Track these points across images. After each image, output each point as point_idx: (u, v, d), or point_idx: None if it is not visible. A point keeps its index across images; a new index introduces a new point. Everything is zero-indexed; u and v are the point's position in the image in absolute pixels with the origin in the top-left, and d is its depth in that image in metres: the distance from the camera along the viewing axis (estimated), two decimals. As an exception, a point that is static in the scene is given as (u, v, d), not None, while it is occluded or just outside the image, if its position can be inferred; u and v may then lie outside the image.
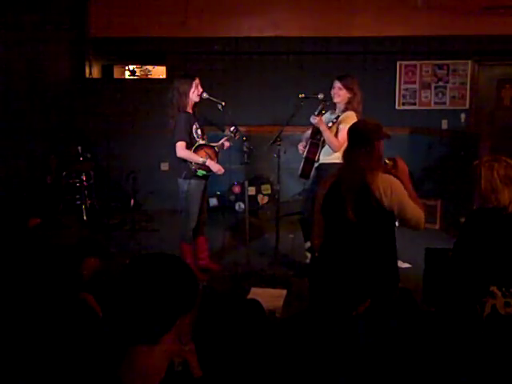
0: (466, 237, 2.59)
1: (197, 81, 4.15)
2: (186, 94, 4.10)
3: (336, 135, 4.13)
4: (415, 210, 2.60)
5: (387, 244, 2.69)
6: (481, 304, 2.35)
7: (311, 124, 4.24)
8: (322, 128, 4.10)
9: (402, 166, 2.77)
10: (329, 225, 2.79)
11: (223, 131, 4.38)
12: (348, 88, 4.15)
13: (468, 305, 2.40)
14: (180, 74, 4.37)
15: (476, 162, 2.63)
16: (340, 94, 4.18)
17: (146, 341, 1.25)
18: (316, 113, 4.16)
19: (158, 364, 1.26)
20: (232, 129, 4.31)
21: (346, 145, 2.90)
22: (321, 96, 4.24)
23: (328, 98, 4.25)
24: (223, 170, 4.26)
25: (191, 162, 4.11)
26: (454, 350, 2.35)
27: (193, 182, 4.17)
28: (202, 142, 4.20)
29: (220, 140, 4.37)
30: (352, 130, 2.81)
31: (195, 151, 4.12)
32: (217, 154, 4.28)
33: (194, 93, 4.12)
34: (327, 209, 2.77)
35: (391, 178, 2.65)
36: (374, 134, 2.71)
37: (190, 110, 4.15)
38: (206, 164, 4.14)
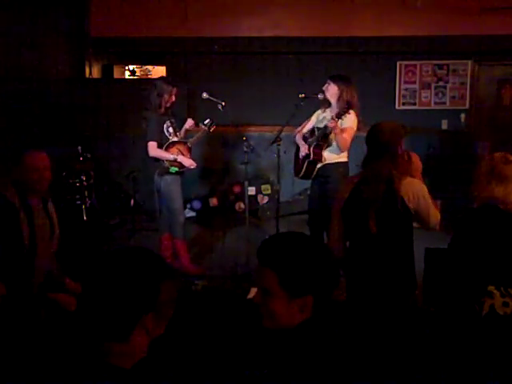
0: (461, 237, 2.57)
1: (175, 90, 4.26)
2: (162, 98, 4.21)
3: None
4: (435, 211, 2.63)
5: (406, 249, 2.66)
6: (479, 304, 2.34)
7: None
8: (337, 131, 4.08)
9: (417, 162, 2.74)
10: (349, 230, 2.74)
11: (197, 126, 4.42)
12: (335, 82, 4.20)
13: (466, 304, 2.39)
14: (163, 77, 4.46)
15: (485, 155, 2.63)
16: (328, 88, 4.23)
17: (116, 338, 1.29)
18: (336, 117, 4.09)
19: (128, 360, 1.30)
20: (206, 122, 4.35)
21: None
22: (321, 96, 4.25)
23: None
24: (195, 165, 4.34)
25: (163, 161, 4.18)
26: (453, 350, 2.35)
27: (168, 177, 4.24)
28: (174, 139, 4.30)
29: (194, 136, 4.44)
30: (372, 139, 2.68)
31: (167, 149, 4.22)
32: (190, 149, 4.34)
33: (167, 99, 4.24)
34: (348, 214, 2.72)
35: (415, 181, 2.63)
36: (395, 140, 2.62)
37: (162, 110, 4.25)
38: (178, 160, 4.22)
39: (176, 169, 4.21)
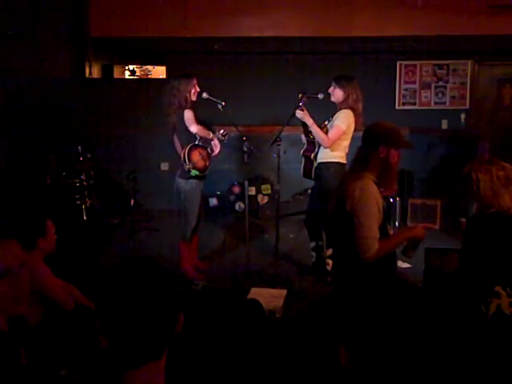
0: (469, 241, 2.56)
1: (194, 80, 4.17)
2: (187, 93, 4.11)
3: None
4: (369, 235, 2.42)
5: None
6: (486, 304, 2.34)
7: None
8: (309, 122, 4.11)
9: (418, 232, 2.63)
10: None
11: (213, 132, 4.38)
12: (341, 87, 4.18)
13: (473, 305, 2.38)
14: (179, 73, 4.37)
15: (467, 168, 2.54)
16: (334, 92, 4.22)
17: (153, 356, 1.11)
18: (300, 106, 4.13)
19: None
20: (222, 131, 4.31)
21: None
22: (321, 96, 4.25)
23: (327, 96, 4.27)
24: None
25: (185, 162, 4.11)
26: (459, 350, 2.35)
27: (193, 181, 4.18)
28: (197, 142, 4.20)
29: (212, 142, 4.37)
30: (364, 130, 2.67)
31: (189, 152, 4.12)
32: (209, 155, 4.27)
33: (193, 92, 4.15)
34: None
35: (374, 189, 2.50)
36: (382, 138, 2.55)
37: (189, 106, 4.15)
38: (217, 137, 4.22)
39: (197, 172, 4.14)
